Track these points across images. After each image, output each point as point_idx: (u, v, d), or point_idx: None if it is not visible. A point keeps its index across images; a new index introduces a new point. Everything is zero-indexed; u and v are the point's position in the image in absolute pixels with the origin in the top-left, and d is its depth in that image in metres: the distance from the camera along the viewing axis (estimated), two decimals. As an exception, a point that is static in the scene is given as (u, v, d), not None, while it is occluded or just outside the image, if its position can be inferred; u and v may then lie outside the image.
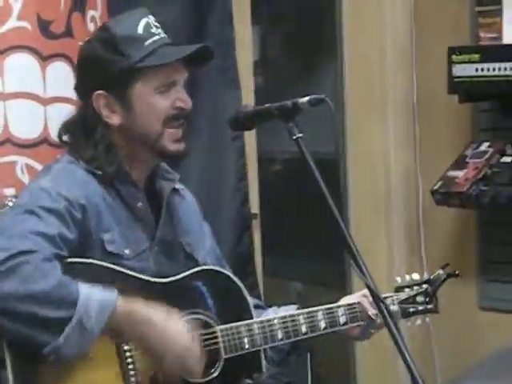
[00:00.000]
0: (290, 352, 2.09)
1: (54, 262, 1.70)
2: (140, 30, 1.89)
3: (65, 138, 1.95)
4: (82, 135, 1.91)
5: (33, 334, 1.65)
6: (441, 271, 2.17)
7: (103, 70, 1.88)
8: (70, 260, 1.75)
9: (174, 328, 1.74)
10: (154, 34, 1.90)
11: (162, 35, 1.92)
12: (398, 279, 2.17)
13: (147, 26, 1.91)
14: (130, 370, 1.77)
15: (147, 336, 1.73)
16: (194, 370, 1.78)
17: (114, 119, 1.90)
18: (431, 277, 2.16)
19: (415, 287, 2.14)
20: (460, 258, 3.21)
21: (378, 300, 1.71)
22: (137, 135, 1.91)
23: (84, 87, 1.93)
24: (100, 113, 1.89)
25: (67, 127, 1.95)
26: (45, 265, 1.67)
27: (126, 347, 1.77)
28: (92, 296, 1.68)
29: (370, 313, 2.01)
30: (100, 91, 1.89)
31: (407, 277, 2.17)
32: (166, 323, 1.74)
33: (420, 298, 2.13)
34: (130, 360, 1.77)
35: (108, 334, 1.72)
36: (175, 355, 1.75)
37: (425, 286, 2.14)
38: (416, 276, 2.17)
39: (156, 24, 1.93)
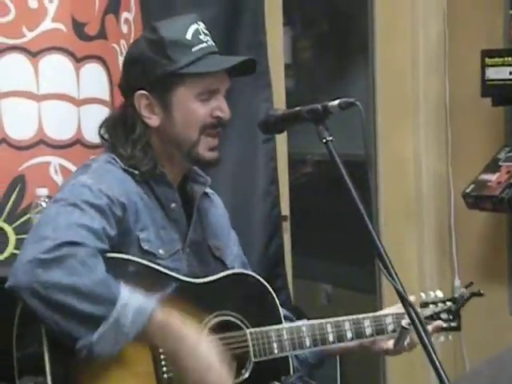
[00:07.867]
0: (314, 366, 2.09)
1: (98, 257, 1.70)
2: (189, 35, 1.90)
3: (104, 135, 1.96)
4: (122, 133, 1.92)
5: (69, 326, 1.66)
6: (464, 290, 2.17)
7: (148, 70, 1.89)
8: (109, 255, 1.76)
9: (205, 347, 1.74)
10: (202, 41, 1.91)
11: (210, 43, 1.93)
12: (423, 295, 2.16)
13: (196, 32, 1.91)
14: (164, 374, 1.77)
15: (178, 351, 1.73)
16: None
17: (153, 120, 1.91)
18: (456, 295, 2.17)
19: (440, 304, 2.14)
20: (492, 262, 3.19)
21: (406, 303, 1.70)
22: (173, 139, 1.92)
23: (127, 85, 1.94)
24: (140, 112, 1.90)
25: (107, 124, 1.96)
26: (90, 259, 1.68)
27: (162, 355, 1.78)
28: (132, 299, 1.68)
29: (403, 322, 1.99)
30: (142, 91, 1.90)
31: (431, 293, 2.17)
32: (197, 342, 1.73)
33: (444, 316, 2.14)
34: (164, 369, 1.78)
35: (142, 341, 1.72)
36: (203, 373, 1.73)
37: (449, 303, 2.15)
38: (440, 293, 2.17)
39: (205, 31, 1.94)
